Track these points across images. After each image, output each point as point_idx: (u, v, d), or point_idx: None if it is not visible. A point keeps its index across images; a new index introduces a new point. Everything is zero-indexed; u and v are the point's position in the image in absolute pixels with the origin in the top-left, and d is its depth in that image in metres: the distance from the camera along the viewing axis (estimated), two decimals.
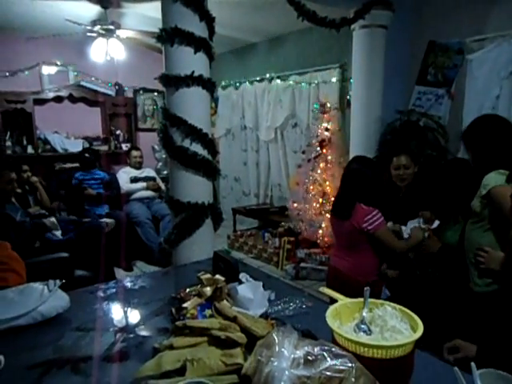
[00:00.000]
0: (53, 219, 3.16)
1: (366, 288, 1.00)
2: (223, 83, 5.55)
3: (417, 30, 3.61)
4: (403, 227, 2.19)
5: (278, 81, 4.77)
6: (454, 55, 3.39)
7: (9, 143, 4.64)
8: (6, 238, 2.25)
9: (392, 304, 1.01)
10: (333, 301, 1.12)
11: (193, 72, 2.53)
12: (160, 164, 5.61)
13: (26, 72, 4.78)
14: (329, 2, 3.23)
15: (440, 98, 3.47)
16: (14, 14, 3.94)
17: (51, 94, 4.89)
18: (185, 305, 1.20)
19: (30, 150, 4.74)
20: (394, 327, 0.94)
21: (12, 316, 1.20)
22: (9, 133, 4.65)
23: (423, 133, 3.28)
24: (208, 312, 1.19)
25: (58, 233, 3.11)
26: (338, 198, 2.19)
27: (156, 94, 5.71)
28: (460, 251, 1.81)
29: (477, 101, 3.17)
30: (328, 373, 0.75)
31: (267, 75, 4.90)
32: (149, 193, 4.54)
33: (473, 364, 0.84)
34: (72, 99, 5.12)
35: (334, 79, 4.20)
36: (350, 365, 0.76)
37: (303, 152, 4.32)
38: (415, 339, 0.88)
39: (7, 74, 4.66)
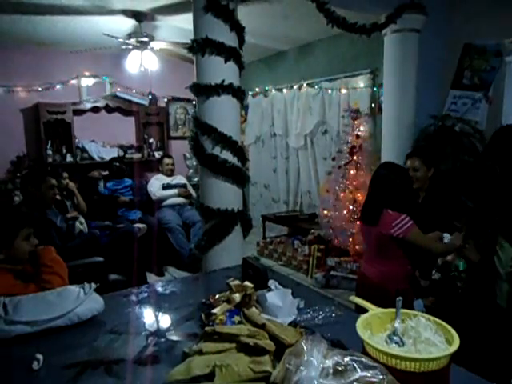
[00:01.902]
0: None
1: (398, 298, 0.98)
2: (253, 91, 5.60)
3: (451, 32, 3.50)
4: (445, 234, 2.11)
5: (308, 88, 4.76)
6: (491, 57, 3.27)
7: (49, 152, 4.88)
8: (50, 241, 2.38)
9: (426, 315, 0.98)
10: (359, 310, 1.10)
11: (223, 81, 2.58)
12: (191, 171, 5.71)
13: (67, 84, 5.02)
14: (359, 8, 3.20)
15: (477, 102, 3.35)
16: (57, 29, 4.16)
17: (89, 105, 5.11)
18: (214, 310, 1.21)
19: (68, 158, 4.96)
20: (428, 339, 0.90)
21: (51, 317, 1.26)
22: (50, 142, 4.89)
23: (459, 138, 3.17)
24: (237, 318, 1.19)
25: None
26: (366, 204, 2.16)
27: (187, 103, 5.84)
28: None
29: None
30: None
31: (297, 82, 4.91)
32: (180, 199, 4.63)
33: None
34: (108, 109, 5.33)
35: (364, 85, 4.15)
36: (381, 377, 0.74)
37: (333, 159, 4.27)
38: (451, 353, 0.84)
39: (49, 86, 4.92)
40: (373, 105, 4.13)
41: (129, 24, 4.02)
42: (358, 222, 3.78)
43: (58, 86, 4.96)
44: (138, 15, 3.83)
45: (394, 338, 0.93)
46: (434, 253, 2.05)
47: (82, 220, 3.26)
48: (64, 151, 4.96)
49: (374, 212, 2.02)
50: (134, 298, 1.56)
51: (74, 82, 5.07)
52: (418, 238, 1.97)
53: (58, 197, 3.10)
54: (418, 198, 2.48)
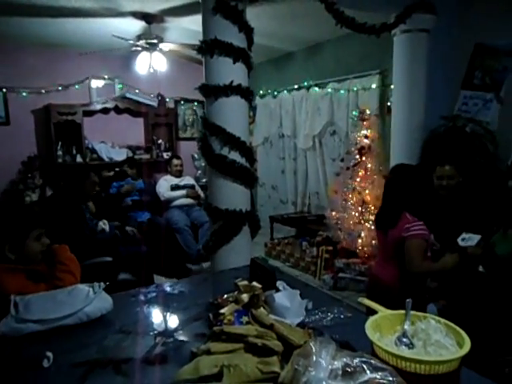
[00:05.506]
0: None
1: (407, 300, 0.97)
2: (261, 92, 5.60)
3: (461, 32, 3.46)
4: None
5: (316, 88, 4.75)
6: (503, 57, 3.23)
7: (60, 153, 4.93)
8: (80, 232, 2.61)
9: (436, 317, 0.97)
10: (369, 312, 1.09)
11: (232, 82, 2.58)
12: (199, 172, 5.73)
13: (77, 86, 5.08)
14: (368, 8, 3.18)
15: (488, 103, 3.31)
16: (67, 31, 4.22)
17: (99, 106, 5.16)
18: (222, 311, 1.21)
19: (78, 158, 5.01)
20: (438, 342, 0.89)
21: (61, 315, 1.27)
22: (60, 143, 4.94)
23: (470, 139, 3.13)
24: (245, 319, 1.19)
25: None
26: (382, 209, 2.11)
27: (196, 104, 5.86)
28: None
29: None
30: None
31: (305, 83, 4.89)
32: (188, 200, 4.64)
33: None
34: (117, 110, 5.37)
35: (373, 86, 4.12)
36: (390, 379, 0.74)
37: (342, 160, 4.26)
38: (461, 355, 0.83)
39: (60, 88, 4.98)
40: (382, 105, 4.11)
41: (138, 26, 4.06)
42: (367, 225, 3.76)
43: (68, 88, 5.02)
44: (147, 17, 3.87)
45: (404, 339, 0.92)
46: (413, 270, 1.88)
47: (105, 221, 3.34)
48: (74, 152, 5.01)
49: (392, 215, 1.97)
50: (142, 297, 1.56)
51: (84, 83, 5.12)
52: (411, 248, 1.86)
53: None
54: (440, 202, 2.33)
